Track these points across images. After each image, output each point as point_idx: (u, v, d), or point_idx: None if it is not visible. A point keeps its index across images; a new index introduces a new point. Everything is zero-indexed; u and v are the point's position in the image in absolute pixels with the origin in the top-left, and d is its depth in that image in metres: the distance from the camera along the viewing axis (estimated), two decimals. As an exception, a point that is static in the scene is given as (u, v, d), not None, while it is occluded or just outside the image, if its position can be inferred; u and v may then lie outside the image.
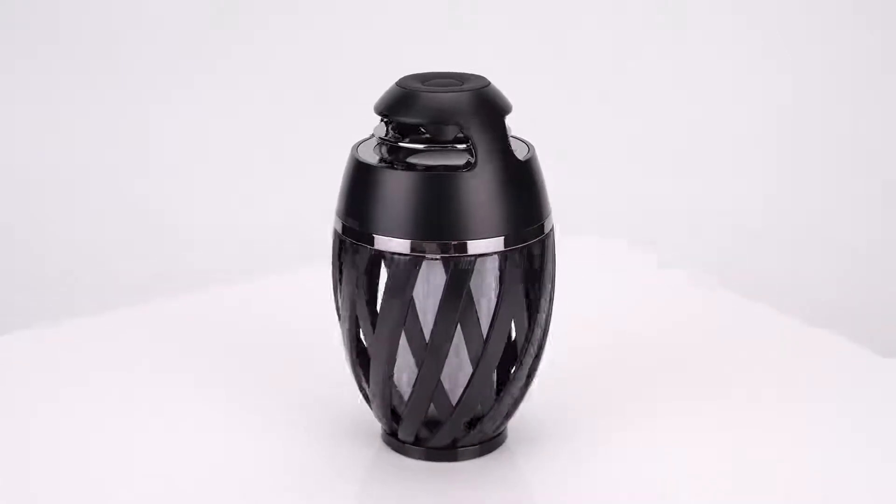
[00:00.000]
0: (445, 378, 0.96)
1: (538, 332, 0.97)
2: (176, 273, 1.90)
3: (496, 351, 0.95)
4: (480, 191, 0.92)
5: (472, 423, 0.98)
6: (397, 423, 0.99)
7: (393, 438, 1.01)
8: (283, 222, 1.96)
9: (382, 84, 0.97)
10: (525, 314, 0.96)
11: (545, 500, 0.97)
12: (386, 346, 0.94)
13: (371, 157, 0.95)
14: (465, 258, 0.92)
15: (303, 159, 1.99)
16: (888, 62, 2.02)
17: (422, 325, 0.94)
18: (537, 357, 0.98)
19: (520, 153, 0.95)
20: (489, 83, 0.95)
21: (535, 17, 2.09)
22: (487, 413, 0.97)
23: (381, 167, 0.93)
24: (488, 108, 0.93)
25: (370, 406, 1.00)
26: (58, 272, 1.91)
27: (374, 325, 0.95)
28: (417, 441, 0.99)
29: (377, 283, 0.97)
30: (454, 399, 0.96)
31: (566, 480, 0.98)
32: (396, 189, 0.92)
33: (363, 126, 1.01)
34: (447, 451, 0.99)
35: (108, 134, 2.05)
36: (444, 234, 0.92)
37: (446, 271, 0.93)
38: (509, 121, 0.96)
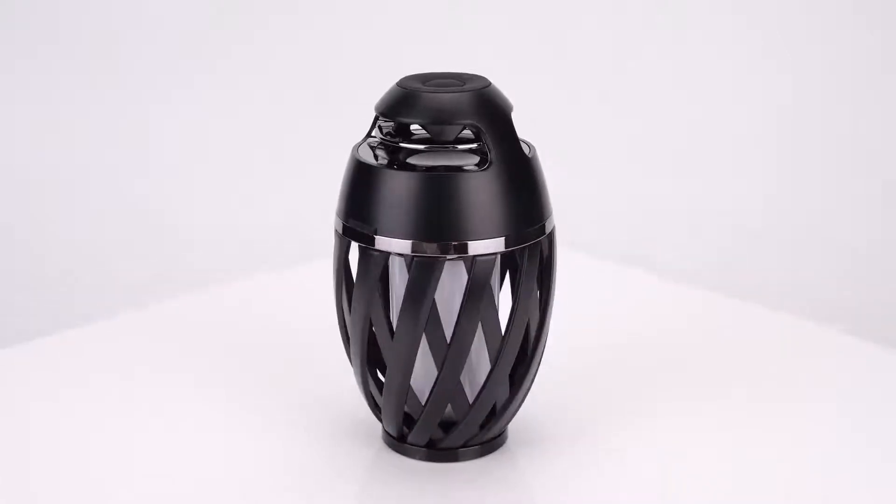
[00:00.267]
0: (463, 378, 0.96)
1: (547, 329, 0.97)
2: (176, 273, 1.90)
3: (513, 348, 0.95)
4: (484, 191, 0.92)
5: (484, 424, 0.98)
6: (409, 426, 0.98)
7: (393, 438, 1.00)
8: (283, 222, 1.96)
9: (382, 84, 0.97)
10: (538, 311, 0.96)
11: (545, 501, 0.97)
12: (405, 350, 0.94)
13: (371, 157, 0.95)
14: (485, 257, 0.92)
15: (303, 159, 1.99)
16: (888, 62, 2.02)
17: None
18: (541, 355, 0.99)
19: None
20: (490, 83, 0.95)
21: (535, 17, 2.09)
22: (503, 411, 0.97)
23: (383, 168, 0.93)
24: (497, 107, 0.93)
25: (376, 413, 0.99)
26: (58, 272, 1.91)
27: (391, 330, 0.95)
28: (430, 443, 0.99)
29: (388, 288, 0.97)
30: (471, 399, 0.96)
31: (567, 481, 0.98)
32: (398, 189, 0.92)
33: (363, 126, 1.01)
34: (447, 452, 0.99)
35: (108, 134, 2.05)
36: (450, 235, 0.91)
37: (468, 271, 0.92)
38: (509, 121, 0.96)
